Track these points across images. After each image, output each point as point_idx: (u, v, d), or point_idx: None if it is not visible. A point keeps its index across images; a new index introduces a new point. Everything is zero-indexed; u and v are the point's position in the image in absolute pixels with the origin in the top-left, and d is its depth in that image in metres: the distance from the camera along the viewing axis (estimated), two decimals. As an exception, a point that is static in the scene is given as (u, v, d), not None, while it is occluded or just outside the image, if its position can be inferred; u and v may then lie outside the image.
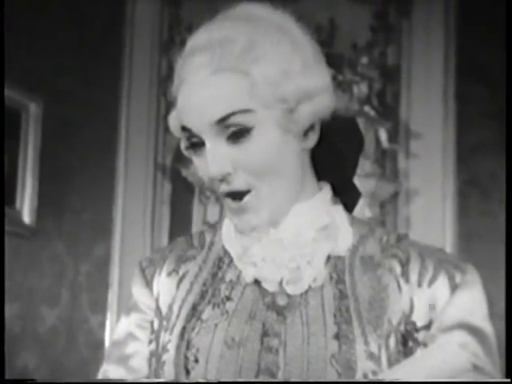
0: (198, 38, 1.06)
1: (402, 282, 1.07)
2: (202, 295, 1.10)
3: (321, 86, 1.06)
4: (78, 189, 3.53)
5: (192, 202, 3.46)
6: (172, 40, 3.71)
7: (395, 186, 3.34)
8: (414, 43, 3.43)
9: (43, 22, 3.36)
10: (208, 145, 1.04)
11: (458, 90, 3.35)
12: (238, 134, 1.03)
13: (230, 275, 1.10)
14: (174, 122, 1.11)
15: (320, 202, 1.11)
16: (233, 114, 1.02)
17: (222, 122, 1.03)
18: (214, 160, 1.03)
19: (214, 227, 1.19)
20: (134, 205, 3.57)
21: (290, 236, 1.08)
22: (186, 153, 1.10)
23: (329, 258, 1.08)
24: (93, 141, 3.58)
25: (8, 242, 3.23)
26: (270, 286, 1.07)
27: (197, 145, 1.06)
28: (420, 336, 1.04)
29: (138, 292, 1.16)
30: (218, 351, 1.03)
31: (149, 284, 1.15)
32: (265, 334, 1.04)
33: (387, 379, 0.97)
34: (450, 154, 3.31)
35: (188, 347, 1.05)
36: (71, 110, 3.50)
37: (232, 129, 1.03)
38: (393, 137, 3.39)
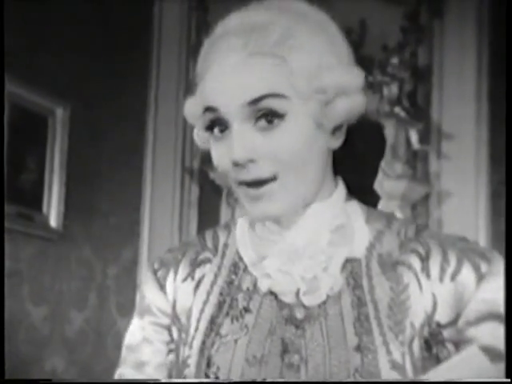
0: (231, 23, 1.03)
1: (422, 278, 1.02)
2: (220, 306, 1.06)
3: (356, 85, 1.03)
4: (105, 192, 3.54)
5: (220, 204, 3.45)
6: (200, 44, 3.68)
7: (427, 188, 3.29)
8: (446, 43, 3.38)
9: (71, 27, 3.37)
10: (235, 127, 1.00)
11: (490, 90, 3.29)
12: (269, 119, 0.99)
13: (246, 283, 1.06)
14: (192, 107, 1.07)
15: (336, 201, 1.07)
16: (267, 96, 0.98)
17: (255, 103, 0.98)
18: (241, 143, 0.99)
19: (228, 226, 1.15)
20: (162, 208, 3.56)
21: (306, 242, 1.04)
22: (200, 140, 1.07)
23: (345, 262, 1.04)
24: (120, 144, 3.59)
25: (36, 245, 3.24)
26: (287, 298, 1.03)
27: (219, 129, 1.01)
28: (446, 333, 1.00)
29: (152, 295, 1.12)
30: (239, 369, 1.00)
31: (162, 287, 1.11)
32: (285, 350, 1.00)
33: (390, 380, 0.94)
34: (483, 155, 3.25)
35: (208, 365, 1.02)
36: (98, 115, 3.51)
37: (263, 112, 0.99)
38: (424, 138, 3.34)
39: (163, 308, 1.11)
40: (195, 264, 1.11)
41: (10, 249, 3.02)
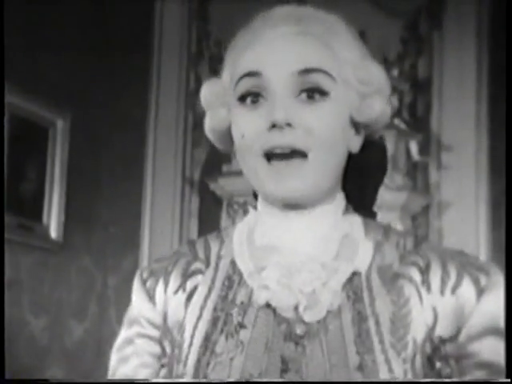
0: (275, 13, 1.04)
1: (423, 292, 1.01)
2: (214, 322, 1.03)
3: (389, 89, 1.06)
4: (105, 203, 3.53)
5: (220, 215, 3.44)
6: (200, 54, 3.71)
7: (427, 199, 3.29)
8: (446, 55, 3.39)
9: (71, 37, 3.38)
10: (279, 92, 0.99)
11: (490, 101, 3.30)
12: (311, 95, 1.00)
13: (240, 296, 1.03)
14: (214, 85, 1.07)
15: (338, 207, 1.07)
16: (318, 70, 1.00)
17: (305, 74, 0.99)
18: (283, 105, 0.98)
19: (220, 235, 1.12)
20: (162, 218, 3.56)
21: (308, 252, 1.02)
22: (215, 120, 1.06)
23: (349, 277, 1.02)
24: (120, 155, 3.59)
25: (36, 256, 3.24)
26: (285, 312, 1.00)
27: (252, 100, 1.01)
28: (447, 348, 0.99)
29: (140, 306, 1.10)
30: None
31: (151, 298, 1.09)
32: (284, 369, 0.97)
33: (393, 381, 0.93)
34: (483, 166, 3.25)
35: None
36: (98, 125, 3.51)
37: (309, 86, 0.99)
38: (424, 149, 3.34)
39: (152, 320, 1.08)
40: (186, 275, 1.08)
41: (10, 259, 3.02)
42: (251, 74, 1.01)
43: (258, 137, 1.00)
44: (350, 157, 1.07)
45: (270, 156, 1.00)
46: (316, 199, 1.03)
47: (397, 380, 0.94)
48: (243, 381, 0.97)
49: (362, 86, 1.03)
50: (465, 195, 3.25)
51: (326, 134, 1.00)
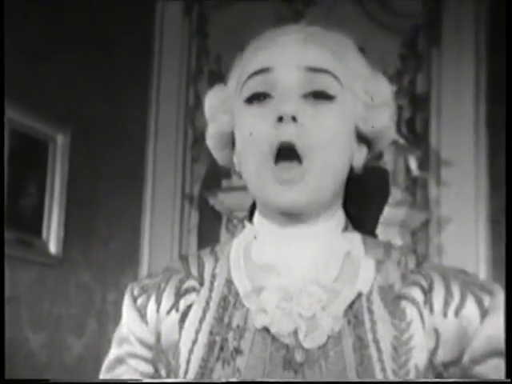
0: (285, 29, 1.05)
1: (425, 313, 0.98)
2: (211, 348, 0.99)
3: (393, 106, 1.06)
4: (105, 218, 3.53)
5: (219, 230, 3.44)
6: (200, 70, 3.73)
7: (426, 214, 3.29)
8: (444, 71, 3.40)
9: (70, 53, 3.39)
10: (287, 86, 0.99)
11: (489, 117, 3.31)
12: (319, 96, 0.99)
13: (236, 319, 1.00)
14: (219, 91, 1.08)
15: (338, 224, 1.04)
16: (326, 71, 1.00)
17: (313, 72, 1.00)
18: (291, 98, 0.98)
19: (214, 252, 1.09)
20: (162, 233, 3.56)
21: (308, 271, 0.99)
22: (219, 125, 1.06)
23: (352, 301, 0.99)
24: (120, 170, 3.59)
25: (35, 271, 3.23)
26: (284, 338, 0.97)
27: (260, 99, 1.00)
28: (451, 371, 0.97)
29: (131, 324, 1.07)
30: None
31: (143, 317, 1.06)
32: None
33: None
34: (483, 181, 3.26)
35: None
36: (98, 141, 3.51)
37: (315, 89, 0.99)
38: (423, 165, 3.35)
39: (144, 339, 1.06)
40: (179, 294, 1.05)
41: (10, 274, 3.01)
42: (261, 71, 1.01)
43: (266, 133, 0.98)
44: (352, 179, 1.06)
45: (276, 155, 0.98)
46: (316, 207, 1.01)
47: (397, 380, 0.93)
48: (243, 381, 0.96)
49: (369, 97, 1.03)
50: (464, 211, 3.25)
51: (330, 135, 0.99)
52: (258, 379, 0.96)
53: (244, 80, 1.03)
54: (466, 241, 3.22)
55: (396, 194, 3.15)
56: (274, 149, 0.98)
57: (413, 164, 3.32)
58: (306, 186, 0.98)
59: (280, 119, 0.97)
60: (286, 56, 1.01)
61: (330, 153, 0.99)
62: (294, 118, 0.97)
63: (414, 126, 3.40)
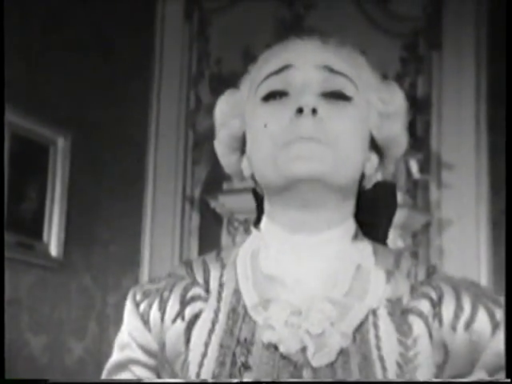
0: (296, 39, 1.07)
1: (433, 326, 0.96)
2: (222, 363, 0.96)
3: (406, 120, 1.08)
4: (106, 221, 3.53)
5: (220, 233, 3.44)
6: (201, 74, 3.73)
7: (427, 217, 3.29)
8: (445, 74, 3.40)
9: (71, 57, 3.39)
10: (306, 83, 1.00)
11: (489, 119, 3.31)
12: (335, 95, 1.00)
13: (244, 332, 0.97)
14: (233, 94, 1.08)
15: (347, 232, 1.02)
16: (344, 74, 1.01)
17: (330, 72, 1.01)
18: (310, 93, 0.99)
19: (219, 258, 1.06)
20: (162, 237, 3.56)
21: (316, 287, 0.97)
22: (230, 131, 1.06)
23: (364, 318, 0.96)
24: (121, 174, 3.59)
25: (36, 274, 3.23)
26: (292, 355, 0.94)
27: (278, 96, 1.00)
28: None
29: (134, 331, 1.04)
30: None
31: (146, 323, 1.03)
32: None
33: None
34: (483, 184, 3.26)
35: None
36: (99, 144, 3.52)
37: (333, 86, 1.00)
38: (424, 167, 3.35)
39: (147, 346, 1.03)
40: (185, 302, 1.02)
41: (10, 277, 3.01)
42: (279, 70, 1.01)
43: (282, 126, 0.97)
44: (362, 194, 1.06)
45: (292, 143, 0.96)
46: (328, 192, 0.98)
47: (397, 380, 0.92)
48: (244, 381, 0.94)
49: (383, 105, 1.04)
50: (465, 213, 3.25)
51: (348, 132, 0.99)
52: None
53: (260, 81, 1.03)
54: (466, 243, 3.21)
55: (397, 196, 3.15)
56: (291, 139, 0.96)
57: (414, 167, 3.32)
58: (322, 163, 0.96)
59: (300, 111, 0.96)
60: (305, 55, 1.02)
61: (348, 147, 0.98)
62: (314, 110, 0.96)
63: (415, 129, 3.40)
